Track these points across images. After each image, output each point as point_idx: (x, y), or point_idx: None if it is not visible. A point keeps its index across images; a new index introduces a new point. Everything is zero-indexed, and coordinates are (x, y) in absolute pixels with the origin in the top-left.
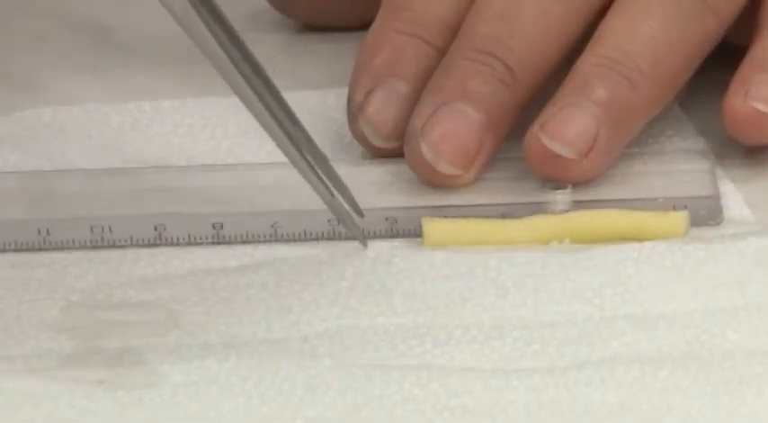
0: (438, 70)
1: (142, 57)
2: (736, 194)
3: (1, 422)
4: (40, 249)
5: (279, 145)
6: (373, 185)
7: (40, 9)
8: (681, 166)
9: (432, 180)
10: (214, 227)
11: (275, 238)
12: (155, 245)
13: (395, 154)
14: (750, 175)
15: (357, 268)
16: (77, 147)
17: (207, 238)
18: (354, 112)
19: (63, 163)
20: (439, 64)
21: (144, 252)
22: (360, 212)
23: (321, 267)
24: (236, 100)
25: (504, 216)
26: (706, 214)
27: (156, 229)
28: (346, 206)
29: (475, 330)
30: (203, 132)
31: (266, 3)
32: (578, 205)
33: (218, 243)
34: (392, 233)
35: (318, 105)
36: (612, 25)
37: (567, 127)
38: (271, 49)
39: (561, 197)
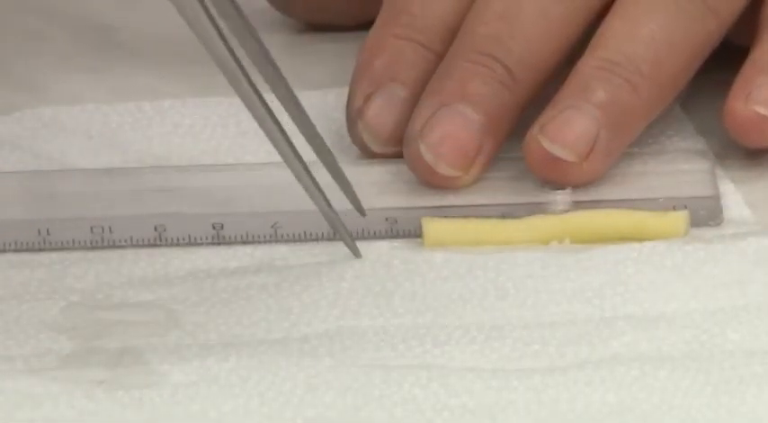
0: (438, 72)
1: (142, 57)
2: (736, 194)
3: (1, 422)
4: (40, 249)
5: (279, 151)
6: (373, 185)
7: (40, 9)
8: (681, 166)
9: (431, 182)
10: (214, 227)
11: (275, 238)
12: (155, 245)
13: (393, 158)
14: (750, 175)
15: (357, 269)
16: (77, 147)
17: (207, 238)
18: (353, 116)
19: (63, 163)
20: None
21: (144, 252)
22: (362, 211)
23: (321, 268)
24: (236, 100)
25: (504, 216)
26: (706, 214)
27: (156, 229)
28: (342, 220)
29: (475, 331)
30: (203, 132)
31: (266, 3)
32: (578, 205)
33: (219, 243)
34: (392, 233)
35: (318, 105)
36: (613, 27)
37: (567, 129)
38: (271, 49)
39: (561, 197)
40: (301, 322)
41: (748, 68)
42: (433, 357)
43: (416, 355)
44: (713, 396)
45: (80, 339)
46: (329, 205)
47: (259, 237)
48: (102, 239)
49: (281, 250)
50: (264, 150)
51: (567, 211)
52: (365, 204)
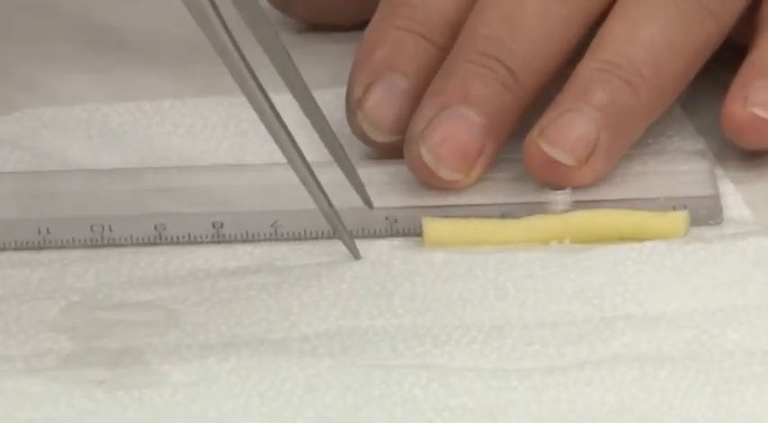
0: (440, 73)
1: (142, 56)
2: (736, 194)
3: (1, 422)
4: (40, 248)
5: (282, 149)
6: (373, 185)
7: (40, 9)
8: (681, 166)
9: (432, 184)
10: (214, 226)
11: (275, 237)
12: (155, 244)
13: (394, 148)
14: (750, 175)
15: (357, 269)
16: (77, 147)
17: (207, 237)
18: (353, 106)
19: (63, 163)
20: (438, 60)
21: (144, 251)
22: (369, 203)
23: (321, 268)
24: (236, 100)
25: (504, 216)
26: (706, 214)
27: (155, 228)
28: (343, 223)
29: (475, 331)
30: (203, 132)
31: (266, 3)
32: (578, 205)
33: (219, 242)
34: (392, 233)
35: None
36: (613, 29)
37: (567, 133)
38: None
39: (561, 197)
40: (301, 322)
41: (746, 71)
42: (433, 357)
43: (416, 355)
44: (713, 396)
45: (80, 339)
46: (330, 205)
47: (259, 235)
48: (102, 238)
49: (281, 249)
50: (265, 150)
51: (567, 211)
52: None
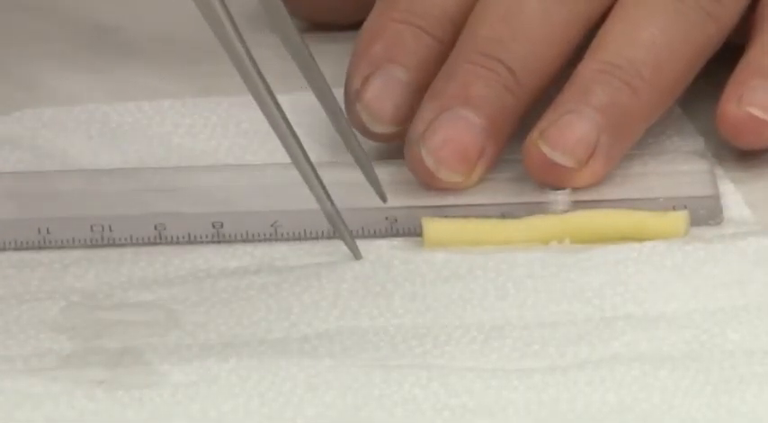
0: (440, 74)
1: (142, 56)
2: (736, 194)
3: (1, 422)
4: (40, 248)
5: (286, 147)
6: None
7: (40, 9)
8: (681, 167)
9: (432, 185)
10: (214, 226)
11: (275, 237)
12: (155, 243)
13: (393, 139)
14: (750, 175)
15: (357, 269)
16: (77, 147)
17: (207, 236)
18: (352, 98)
19: (63, 163)
20: (436, 53)
21: (144, 251)
22: (383, 197)
23: (321, 268)
24: (236, 100)
25: (504, 216)
26: (706, 214)
27: (155, 227)
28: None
29: (475, 331)
30: (203, 132)
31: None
32: (578, 205)
33: (219, 242)
34: (392, 232)
35: (318, 105)
36: (614, 30)
37: (567, 134)
38: (271, 49)
39: (561, 197)
40: (301, 322)
41: (741, 71)
42: (433, 357)
43: (416, 355)
44: (713, 396)
45: (80, 339)
46: (333, 205)
47: (259, 235)
48: (102, 238)
49: (281, 249)
50: (265, 150)
51: (567, 211)
52: (365, 204)
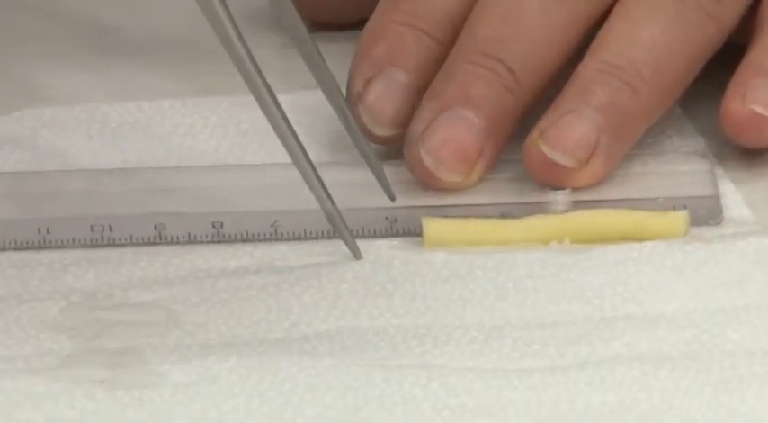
0: (439, 74)
1: (142, 56)
2: (736, 194)
3: (1, 422)
4: (40, 248)
5: (287, 148)
6: (373, 185)
7: (40, 9)
8: (681, 167)
9: (432, 185)
10: (214, 226)
11: (275, 237)
12: (155, 243)
13: (395, 142)
14: (750, 175)
15: (357, 269)
16: (77, 147)
17: (207, 236)
18: (353, 100)
19: (63, 163)
20: (438, 56)
21: (144, 251)
22: (392, 195)
23: (321, 268)
24: (236, 100)
25: (504, 216)
26: (706, 214)
27: (155, 227)
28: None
29: (475, 331)
30: (203, 132)
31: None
32: (578, 205)
33: (218, 242)
34: (392, 232)
35: (318, 105)
36: (614, 30)
37: (567, 135)
38: (270, 49)
39: (561, 197)
40: (301, 322)
41: (744, 69)
42: (433, 357)
43: (416, 355)
44: (713, 396)
45: (80, 339)
46: (333, 204)
47: (259, 235)
48: (101, 238)
49: (281, 249)
50: (265, 150)
51: (567, 211)
52: (365, 204)
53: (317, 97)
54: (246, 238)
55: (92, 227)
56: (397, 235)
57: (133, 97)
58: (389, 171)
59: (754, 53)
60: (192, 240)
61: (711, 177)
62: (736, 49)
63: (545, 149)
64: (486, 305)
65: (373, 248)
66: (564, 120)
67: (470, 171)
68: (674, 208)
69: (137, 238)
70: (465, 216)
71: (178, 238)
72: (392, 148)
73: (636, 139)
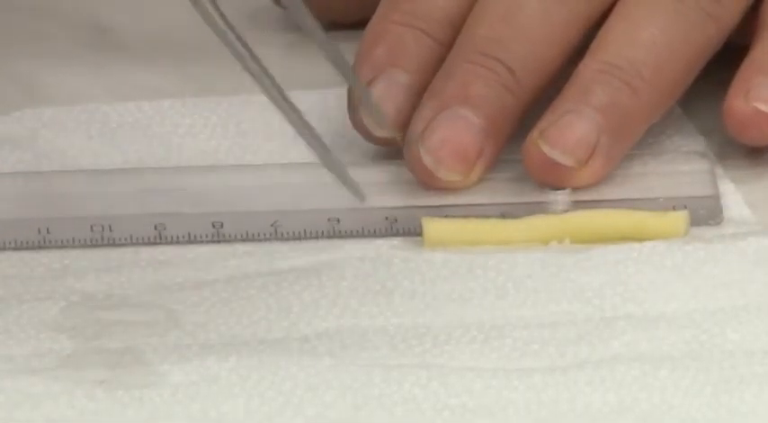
0: (439, 73)
1: (142, 56)
2: (736, 194)
3: (1, 422)
4: (40, 248)
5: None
6: (373, 185)
7: (40, 9)
8: (681, 167)
9: (431, 185)
10: (214, 225)
11: (275, 236)
12: (155, 243)
13: (396, 143)
14: (750, 175)
15: (357, 268)
16: (77, 147)
17: (207, 236)
18: (355, 102)
19: (63, 163)
20: (439, 56)
21: (144, 251)
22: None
23: (321, 267)
24: (236, 100)
25: (504, 216)
26: (706, 214)
27: (155, 227)
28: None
29: (475, 330)
30: (203, 132)
31: (267, 2)
32: (578, 205)
33: (219, 242)
34: (392, 232)
35: (318, 105)
36: (614, 31)
37: (567, 134)
38: (271, 48)
39: (561, 197)
40: (301, 321)
41: (747, 67)
42: (433, 357)
43: (416, 354)
44: (713, 396)
45: (80, 339)
46: (329, 152)
47: (259, 235)
48: (101, 238)
49: (281, 249)
50: (265, 150)
51: (567, 211)
52: (365, 204)
53: (317, 97)
54: (246, 238)
55: (92, 227)
56: (397, 235)
57: (133, 97)
58: (389, 171)
59: (756, 51)
60: (191, 240)
61: (711, 177)
62: (737, 48)
63: (545, 149)
64: (486, 305)
65: (373, 248)
66: (564, 119)
67: (470, 170)
68: (674, 208)
69: (137, 238)
70: (465, 216)
71: (178, 238)
72: (392, 147)
73: (636, 140)
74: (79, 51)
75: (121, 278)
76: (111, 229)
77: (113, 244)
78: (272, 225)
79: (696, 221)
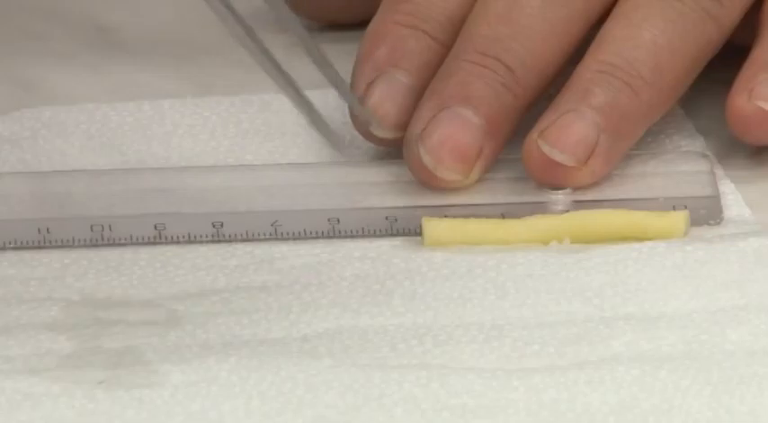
0: (439, 73)
1: (142, 56)
2: (736, 194)
3: (1, 422)
4: (40, 248)
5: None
6: (373, 185)
7: (40, 9)
8: (681, 167)
9: (431, 184)
10: (214, 225)
11: (275, 236)
12: (155, 243)
13: (397, 144)
14: (750, 175)
15: (357, 268)
16: (77, 147)
17: (207, 236)
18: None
19: (63, 163)
20: (440, 57)
21: (144, 251)
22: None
23: (321, 267)
24: (236, 100)
25: (504, 216)
26: (706, 214)
27: (155, 227)
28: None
29: (475, 330)
30: (203, 132)
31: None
32: (578, 205)
33: (219, 241)
34: (392, 232)
35: (318, 105)
36: (614, 31)
37: (567, 134)
38: (272, 48)
39: (561, 197)
40: (301, 321)
41: (750, 66)
42: (433, 357)
43: (416, 354)
44: (713, 396)
45: (80, 339)
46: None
47: (259, 235)
48: (102, 238)
49: (281, 249)
50: (265, 150)
51: (567, 211)
52: (365, 204)
53: (317, 97)
54: (246, 238)
55: (92, 227)
56: (397, 235)
57: (133, 97)
58: (389, 171)
59: (759, 50)
60: (191, 240)
61: (711, 177)
62: (737, 48)
63: (545, 148)
64: (486, 305)
65: (373, 248)
66: (564, 119)
67: (469, 170)
68: (674, 208)
69: (137, 238)
70: (465, 216)
71: (178, 237)
72: (392, 148)
73: (635, 140)
74: (79, 51)
75: (121, 278)
76: (111, 229)
77: (113, 244)
78: (272, 225)
79: (696, 221)
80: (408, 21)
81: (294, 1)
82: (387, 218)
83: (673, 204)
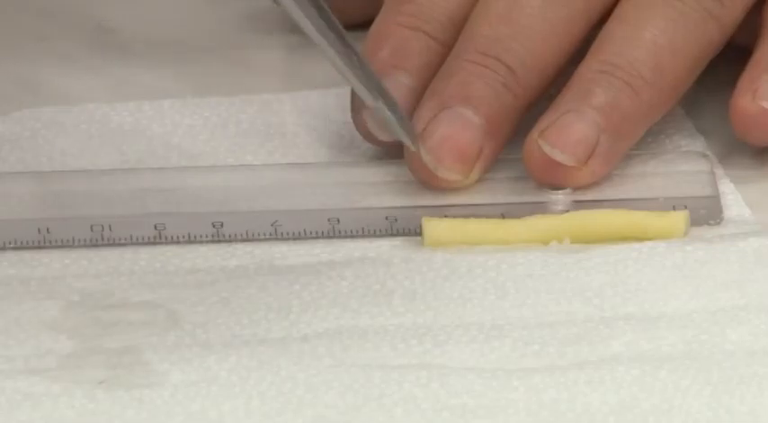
0: (440, 73)
1: (142, 56)
2: (736, 194)
3: (1, 422)
4: (40, 248)
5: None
6: (373, 185)
7: (40, 9)
8: (681, 167)
9: (431, 184)
10: (214, 225)
11: (275, 236)
12: (154, 243)
13: (397, 147)
14: (750, 175)
15: (357, 268)
16: (77, 147)
17: (207, 236)
18: (357, 105)
19: (63, 163)
20: (442, 58)
21: (144, 251)
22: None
23: (321, 267)
24: (236, 100)
25: (504, 216)
26: (706, 214)
27: (155, 227)
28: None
29: (475, 330)
30: (203, 132)
31: (267, 2)
32: (578, 205)
33: (219, 241)
34: (392, 232)
35: (318, 105)
36: (614, 31)
37: (567, 134)
38: (272, 49)
39: (561, 197)
40: (301, 321)
41: (753, 66)
42: (433, 357)
43: (416, 354)
44: (713, 396)
45: (80, 339)
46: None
47: (259, 235)
48: (102, 238)
49: (281, 249)
50: (265, 150)
51: (567, 211)
52: (365, 204)
53: (319, 97)
54: (246, 238)
55: (92, 227)
56: (397, 235)
57: (133, 97)
58: (389, 171)
59: (762, 50)
60: (191, 240)
61: (711, 177)
62: (738, 49)
63: (545, 148)
64: (486, 305)
65: (373, 248)
66: (564, 119)
67: (469, 170)
68: (674, 208)
69: (137, 238)
70: (465, 216)
71: (178, 237)
72: (392, 148)
73: (636, 140)
74: (79, 51)
75: (121, 278)
76: (111, 229)
77: (113, 244)
78: (272, 225)
79: (696, 221)
80: (411, 22)
81: None
82: (387, 218)
83: (673, 204)
